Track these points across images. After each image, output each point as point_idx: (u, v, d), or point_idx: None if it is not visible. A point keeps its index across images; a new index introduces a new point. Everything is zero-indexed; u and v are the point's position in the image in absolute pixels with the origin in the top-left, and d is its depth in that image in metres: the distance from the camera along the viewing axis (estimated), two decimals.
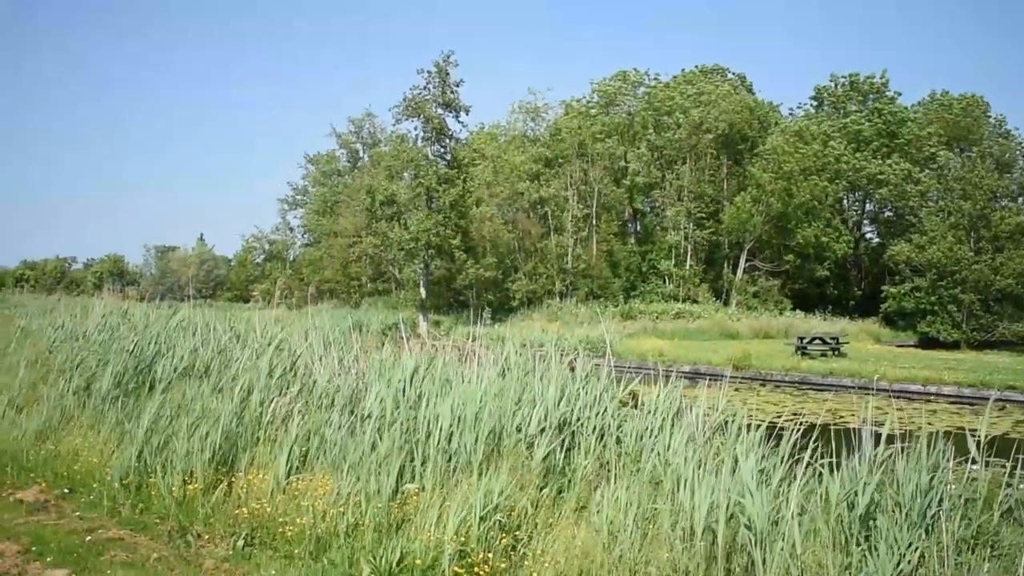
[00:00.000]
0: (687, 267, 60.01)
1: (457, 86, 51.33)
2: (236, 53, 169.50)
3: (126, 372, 11.63)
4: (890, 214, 66.12)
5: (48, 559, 7.23)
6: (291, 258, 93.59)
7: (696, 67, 68.19)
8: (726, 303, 57.29)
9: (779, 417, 8.78)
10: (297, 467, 8.34)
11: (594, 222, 59.61)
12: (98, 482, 9.23)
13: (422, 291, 53.34)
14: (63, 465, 9.89)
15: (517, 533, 7.02)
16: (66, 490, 9.37)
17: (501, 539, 6.87)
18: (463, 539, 6.79)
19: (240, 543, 7.60)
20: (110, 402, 11.02)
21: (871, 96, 67.72)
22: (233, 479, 8.51)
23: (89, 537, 7.83)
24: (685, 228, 60.13)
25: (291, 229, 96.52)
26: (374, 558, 6.80)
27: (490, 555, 6.68)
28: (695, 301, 56.31)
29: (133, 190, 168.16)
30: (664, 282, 60.18)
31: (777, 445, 7.51)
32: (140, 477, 8.98)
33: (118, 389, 11.29)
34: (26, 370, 13.11)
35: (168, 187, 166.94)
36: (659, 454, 7.74)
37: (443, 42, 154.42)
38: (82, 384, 11.78)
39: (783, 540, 6.26)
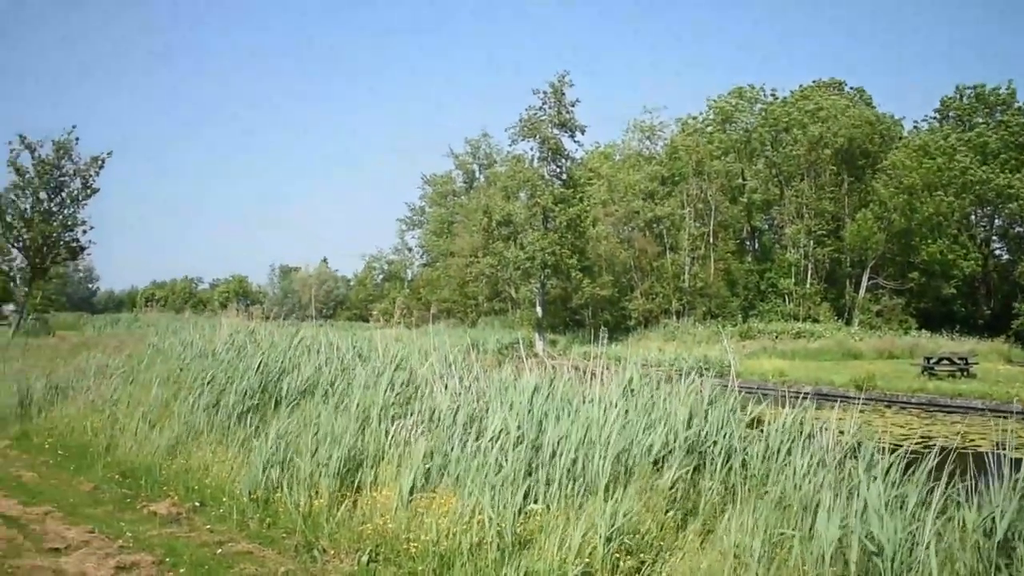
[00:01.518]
0: (807, 285, 58.80)
1: (572, 106, 51.59)
2: (357, 73, 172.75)
3: (253, 389, 11.90)
4: (1021, 230, 63.46)
5: (181, 570, 7.52)
6: (409, 278, 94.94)
7: (813, 81, 66.82)
8: (848, 322, 55.84)
9: (907, 440, 8.48)
10: (420, 485, 8.37)
11: (711, 240, 59.00)
12: (227, 496, 9.51)
13: (538, 310, 53.50)
14: (194, 479, 10.22)
15: (642, 556, 6.94)
16: (197, 503, 9.69)
17: (626, 561, 6.78)
18: (587, 560, 6.77)
19: (364, 559, 7.72)
20: (237, 418, 11.32)
21: (998, 108, 65.19)
22: (358, 495, 8.60)
23: (219, 550, 8.08)
24: (805, 246, 58.87)
25: (409, 249, 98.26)
26: None
27: None
28: (816, 320, 55.05)
29: (257, 212, 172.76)
30: (784, 301, 59.09)
31: (908, 469, 7.23)
32: (267, 492, 9.22)
33: (245, 406, 11.56)
34: (158, 387, 13.55)
35: (291, 209, 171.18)
36: (787, 477, 7.53)
37: (557, 62, 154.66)
38: (211, 401, 12.13)
39: (919, 568, 6.02)
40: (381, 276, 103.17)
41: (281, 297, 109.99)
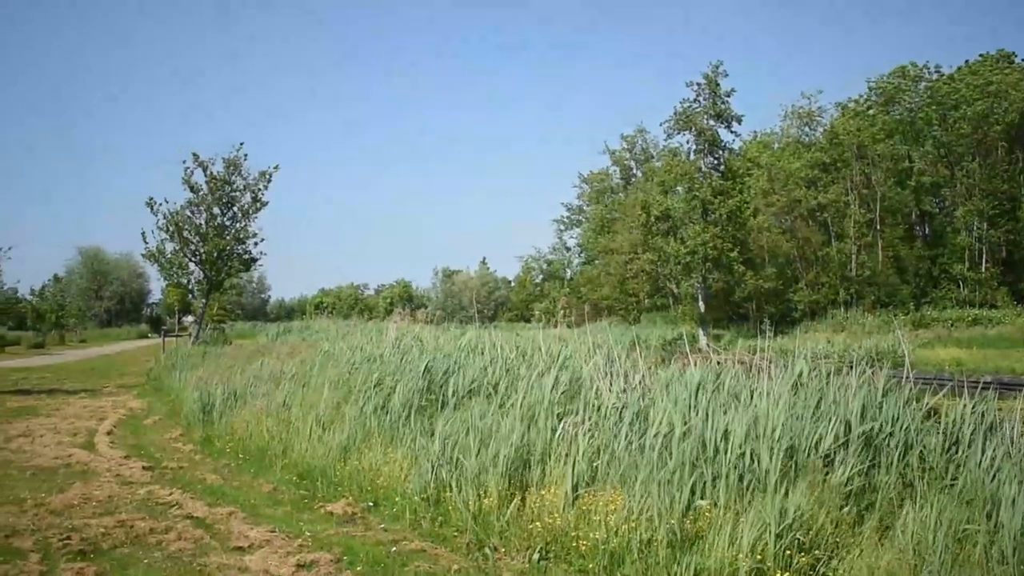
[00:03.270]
0: (983, 270, 55.77)
1: (728, 96, 50.62)
2: (511, 75, 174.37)
3: (420, 391, 12.15)
4: None
5: (358, 568, 7.85)
6: (568, 277, 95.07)
7: (980, 56, 63.24)
8: None
9: None
10: (586, 482, 8.39)
11: (878, 227, 56.83)
12: (399, 496, 9.79)
13: (700, 305, 52.75)
14: (367, 480, 10.55)
15: (816, 553, 6.76)
16: (371, 503, 10.02)
17: (800, 559, 6.63)
18: (759, 557, 6.68)
19: (535, 556, 7.83)
20: (405, 420, 11.57)
21: None
22: (525, 494, 8.67)
23: (394, 548, 8.34)
24: (978, 228, 55.98)
25: (567, 248, 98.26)
26: (668, 574, 6.71)
27: (787, 575, 6.44)
28: (993, 306, 52.15)
29: (419, 217, 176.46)
30: (958, 287, 56.22)
31: None
32: (437, 491, 9.41)
33: (413, 407, 11.81)
34: (330, 390, 14.03)
35: (451, 212, 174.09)
36: (969, 471, 7.21)
37: (707, 52, 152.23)
38: (380, 403, 12.50)
39: None
40: (540, 276, 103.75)
41: (444, 300, 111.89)
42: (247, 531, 8.93)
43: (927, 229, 65.55)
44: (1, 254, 28.72)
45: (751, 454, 8.02)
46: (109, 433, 16.25)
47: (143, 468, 12.61)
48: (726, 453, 8.08)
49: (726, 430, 8.35)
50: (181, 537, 8.69)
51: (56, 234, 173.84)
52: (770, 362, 10.55)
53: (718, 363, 11.04)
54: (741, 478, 7.84)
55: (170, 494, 10.75)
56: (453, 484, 9.29)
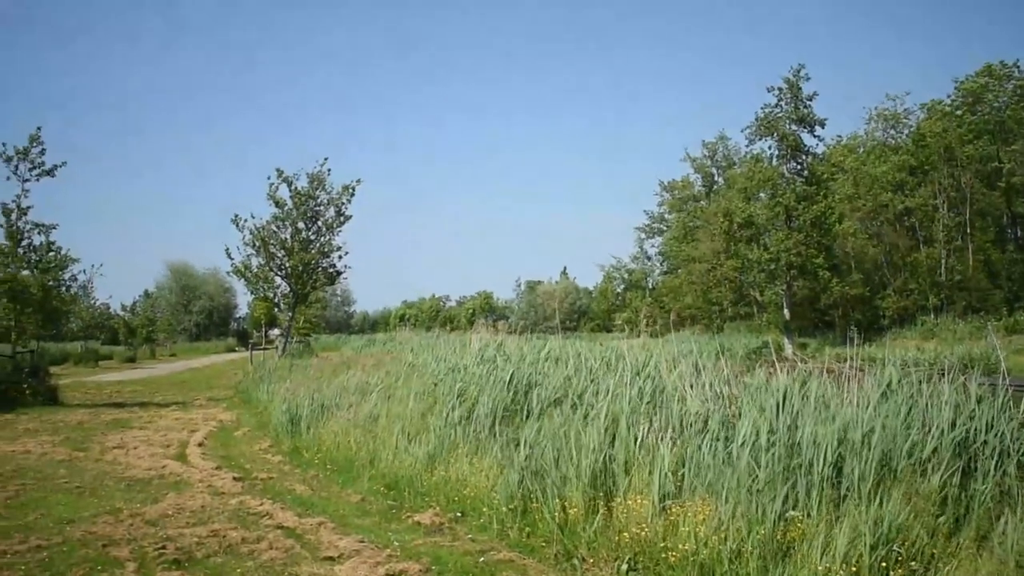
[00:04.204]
0: None
1: (810, 100, 49.88)
2: (593, 80, 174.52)
3: (504, 401, 12.18)
4: None
5: None
6: (650, 286, 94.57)
7: None
8: None
9: None
10: (673, 492, 8.31)
11: (968, 230, 55.37)
12: (486, 506, 9.84)
13: (785, 313, 52.03)
14: (453, 490, 10.63)
15: (912, 564, 6.60)
16: (458, 513, 10.10)
17: (896, 571, 6.50)
18: (854, 569, 6.57)
19: (624, 567, 7.83)
20: (490, 430, 11.60)
21: None
22: (612, 503, 8.63)
23: (482, 558, 8.40)
24: None
25: (648, 257, 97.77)
26: None
27: None
28: None
29: (499, 228, 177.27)
30: None
31: None
32: (524, 501, 9.39)
33: (497, 417, 11.84)
34: (415, 401, 14.16)
35: (531, 222, 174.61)
36: None
37: (789, 56, 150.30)
38: (464, 413, 12.56)
39: None
40: (622, 286, 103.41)
41: (526, 310, 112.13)
42: (337, 541, 9.05)
43: (1019, 232, 63.76)
44: (93, 271, 29.48)
45: (843, 462, 7.88)
46: (200, 445, 16.61)
47: (234, 479, 12.86)
48: (817, 462, 7.95)
49: (816, 438, 8.21)
50: (273, 547, 8.84)
51: (146, 251, 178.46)
52: (859, 370, 10.36)
53: (803, 370, 10.87)
54: (833, 487, 7.71)
55: (261, 504, 10.96)
56: (540, 494, 9.30)
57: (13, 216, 26.35)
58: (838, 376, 10.41)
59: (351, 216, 39.84)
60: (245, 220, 38.51)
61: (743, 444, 8.60)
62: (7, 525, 9.73)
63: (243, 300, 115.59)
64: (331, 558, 8.50)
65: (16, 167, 26.52)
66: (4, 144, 26.47)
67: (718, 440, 9.03)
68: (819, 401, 9.40)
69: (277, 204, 38.82)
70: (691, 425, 9.69)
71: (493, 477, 10.38)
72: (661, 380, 11.60)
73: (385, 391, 16.15)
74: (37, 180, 26.71)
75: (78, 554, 8.53)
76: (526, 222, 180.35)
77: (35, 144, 26.65)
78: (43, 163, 26.71)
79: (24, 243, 26.59)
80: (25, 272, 26.60)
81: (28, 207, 26.57)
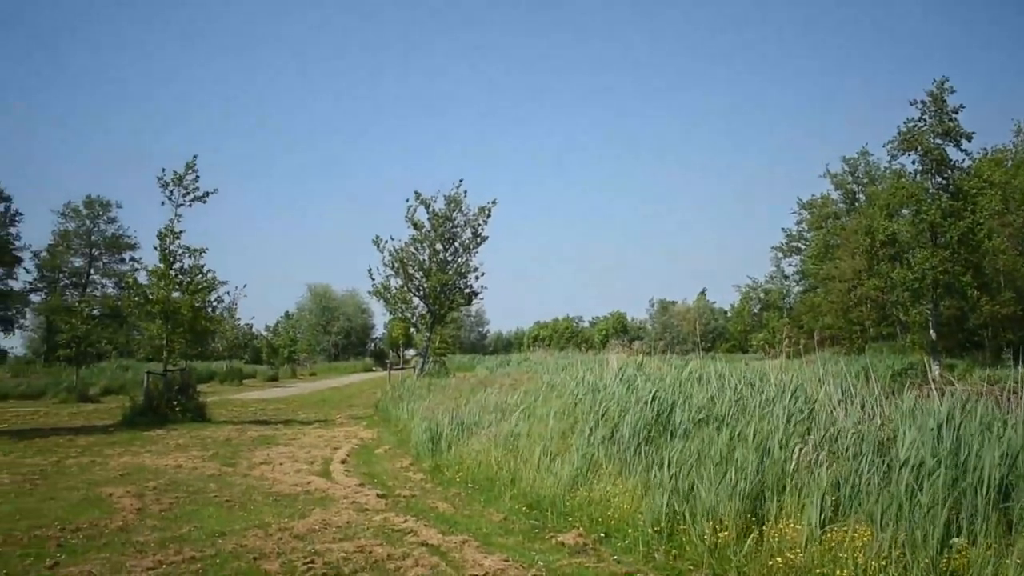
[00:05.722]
0: None
1: (955, 113, 48.07)
2: (725, 94, 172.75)
3: (647, 421, 12.02)
4: None
5: None
6: (788, 306, 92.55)
7: None
8: None
9: None
10: (829, 517, 7.99)
11: None
12: (631, 527, 9.70)
13: (931, 333, 50.05)
14: (597, 510, 10.53)
15: None
16: (602, 534, 9.95)
17: None
18: None
19: None
20: (634, 450, 11.44)
21: None
22: (763, 527, 8.37)
23: None
24: None
25: (786, 277, 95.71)
26: None
27: None
28: None
29: (632, 247, 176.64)
30: None
31: None
32: (670, 523, 9.20)
33: (640, 437, 11.68)
34: (555, 421, 14.06)
35: (664, 242, 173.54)
36: None
37: (932, 69, 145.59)
38: (606, 433, 12.39)
39: None
40: (758, 306, 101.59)
41: (660, 331, 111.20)
42: (481, 560, 9.05)
43: None
44: (237, 292, 30.57)
45: (1012, 488, 7.48)
46: (343, 462, 16.92)
47: (377, 496, 13.04)
48: (982, 486, 7.57)
49: (980, 463, 7.82)
50: (418, 564, 8.90)
51: (287, 273, 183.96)
52: (1012, 392, 9.88)
53: (954, 393, 10.38)
54: (1004, 513, 7.31)
55: (404, 521, 11.08)
56: (687, 516, 9.11)
57: (167, 240, 27.56)
58: (993, 398, 9.95)
59: (487, 237, 40.34)
60: (386, 241, 39.48)
61: (902, 467, 8.26)
62: (164, 536, 10.08)
63: (380, 320, 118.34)
64: None
65: (171, 193, 27.78)
66: (164, 170, 27.85)
67: (874, 463, 8.70)
68: (982, 423, 8.97)
69: (415, 226, 39.61)
70: (846, 448, 9.36)
71: (637, 498, 10.24)
72: (809, 401, 11.27)
73: (525, 411, 16.15)
74: (190, 206, 28.00)
75: (230, 566, 8.78)
76: (660, 242, 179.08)
77: (189, 171, 27.90)
78: (196, 189, 27.99)
79: (176, 266, 27.80)
80: (176, 294, 27.75)
81: (180, 231, 27.82)
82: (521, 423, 15.22)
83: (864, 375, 12.73)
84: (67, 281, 77.38)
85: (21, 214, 72.14)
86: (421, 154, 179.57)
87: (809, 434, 10.05)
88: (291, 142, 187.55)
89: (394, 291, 40.05)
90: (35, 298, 76.66)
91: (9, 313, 74.42)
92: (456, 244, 40.09)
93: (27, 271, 74.77)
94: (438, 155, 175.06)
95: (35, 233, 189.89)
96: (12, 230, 71.81)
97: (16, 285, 73.54)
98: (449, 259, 40.08)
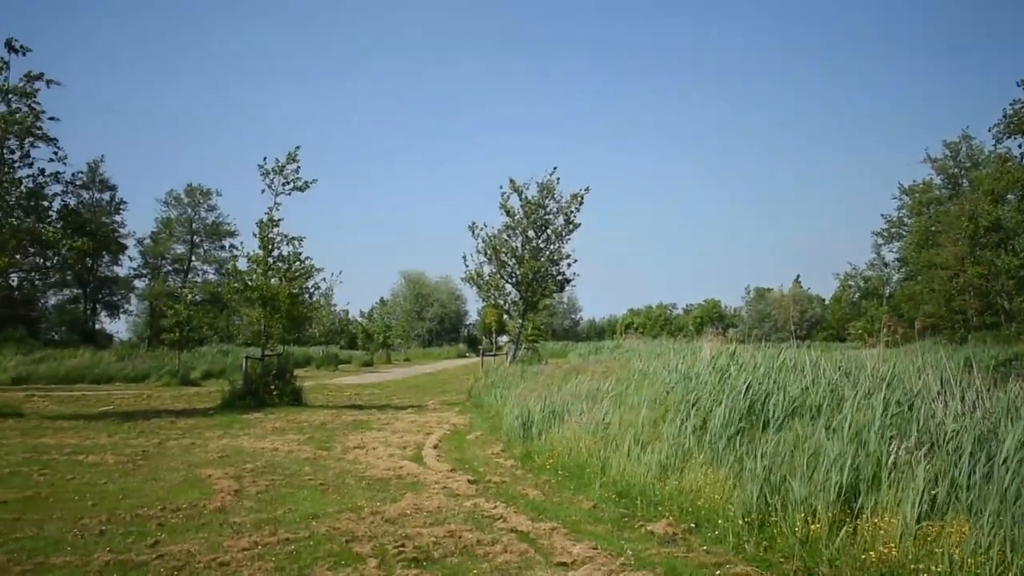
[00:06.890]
0: None
1: None
2: (828, 80, 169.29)
3: (740, 411, 11.87)
4: None
5: None
6: (887, 294, 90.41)
7: None
8: None
9: None
10: (926, 511, 7.79)
11: None
12: (721, 518, 9.64)
13: None
14: (687, 500, 10.48)
15: None
16: (692, 524, 9.96)
17: None
18: None
19: None
20: (727, 440, 11.31)
21: None
22: (856, 521, 8.20)
23: (717, 572, 8.31)
24: None
25: (885, 264, 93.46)
26: None
27: None
28: None
29: (730, 235, 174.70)
30: None
31: None
32: (761, 515, 9.09)
33: (733, 427, 11.53)
34: (646, 409, 14.00)
35: (760, 228, 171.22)
36: None
37: None
38: (698, 423, 12.30)
39: None
40: (857, 294, 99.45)
41: (756, 319, 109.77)
42: (570, 547, 9.07)
43: None
44: (333, 279, 31.05)
45: None
46: (435, 447, 17.12)
47: (468, 481, 13.16)
48: None
49: None
50: (507, 550, 8.96)
51: (381, 259, 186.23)
52: None
53: None
54: None
55: (494, 507, 11.17)
56: (778, 507, 8.98)
57: (266, 228, 28.15)
58: None
59: (580, 224, 40.29)
60: (480, 228, 39.75)
61: (1005, 461, 8.01)
62: (259, 518, 10.34)
63: (473, 307, 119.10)
64: (564, 564, 8.54)
65: (271, 181, 28.36)
66: (265, 158, 28.46)
67: (975, 457, 8.45)
68: None
69: (508, 213, 39.77)
70: (946, 441, 9.11)
71: (728, 489, 10.14)
72: (908, 392, 10.99)
73: (617, 399, 16.08)
74: (289, 195, 28.57)
75: (323, 548, 8.96)
76: (757, 228, 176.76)
77: (291, 161, 28.43)
78: (298, 179, 28.51)
79: (274, 253, 28.37)
80: (274, 280, 28.32)
81: (280, 219, 28.39)
82: (612, 411, 15.17)
83: (966, 365, 12.36)
84: (170, 267, 79.82)
85: (125, 202, 74.87)
86: (518, 139, 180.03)
87: (907, 426, 9.81)
88: (387, 134, 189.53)
89: (487, 278, 40.35)
90: (139, 284, 79.56)
91: (115, 299, 77.26)
92: (548, 231, 40.14)
93: (131, 258, 77.70)
94: (534, 141, 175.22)
95: (139, 221, 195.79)
96: (117, 218, 74.59)
97: (121, 271, 76.47)
98: (541, 246, 40.17)
